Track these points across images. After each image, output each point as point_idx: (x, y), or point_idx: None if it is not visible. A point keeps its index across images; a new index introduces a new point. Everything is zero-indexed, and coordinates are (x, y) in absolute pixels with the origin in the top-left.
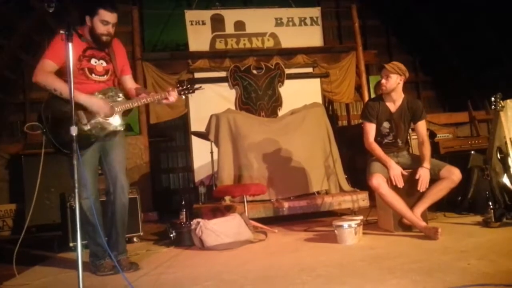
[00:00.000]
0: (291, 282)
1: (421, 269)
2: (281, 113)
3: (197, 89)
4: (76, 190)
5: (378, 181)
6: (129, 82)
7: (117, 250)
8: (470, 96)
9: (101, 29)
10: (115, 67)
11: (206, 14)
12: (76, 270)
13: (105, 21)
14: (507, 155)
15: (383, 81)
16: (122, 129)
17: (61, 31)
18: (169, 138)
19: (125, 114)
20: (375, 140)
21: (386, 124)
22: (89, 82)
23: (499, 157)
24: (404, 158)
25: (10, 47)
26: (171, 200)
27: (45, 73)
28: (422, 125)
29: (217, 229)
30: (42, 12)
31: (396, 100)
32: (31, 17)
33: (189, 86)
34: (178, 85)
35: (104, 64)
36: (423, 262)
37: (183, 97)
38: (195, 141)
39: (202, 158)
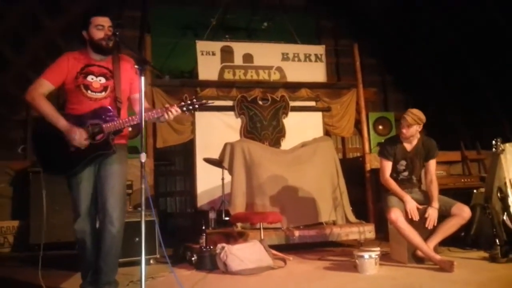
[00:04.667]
0: None
1: None
2: (284, 143)
3: (203, 104)
4: (143, 208)
5: (396, 215)
6: (138, 102)
7: (100, 280)
8: (460, 136)
9: (98, 34)
10: (116, 84)
11: (216, 46)
12: None
13: (100, 25)
14: (506, 195)
15: (404, 130)
16: (108, 151)
17: (136, 66)
18: (171, 162)
19: (124, 135)
20: (391, 176)
21: (402, 162)
22: (85, 100)
23: (499, 196)
24: (416, 194)
25: (18, 63)
26: (168, 223)
27: (36, 93)
28: (433, 164)
29: (241, 255)
30: (52, 31)
31: (412, 141)
32: (41, 35)
33: (194, 100)
34: (182, 101)
35: (103, 80)
36: None
37: (187, 113)
38: (200, 167)
39: (205, 183)
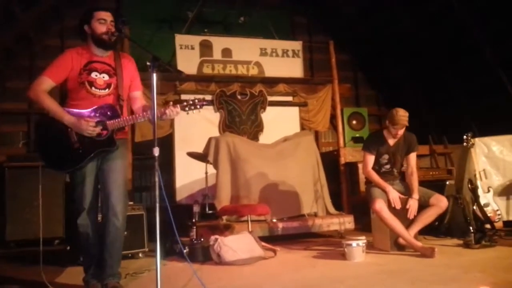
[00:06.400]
0: None
1: (439, 280)
2: (261, 137)
3: (204, 104)
4: (157, 200)
5: (380, 205)
6: (138, 101)
7: (104, 272)
8: (428, 131)
9: (100, 28)
10: (119, 81)
11: (195, 40)
12: None
13: (102, 19)
14: (476, 186)
15: (400, 131)
16: (112, 148)
17: (148, 63)
18: (148, 157)
19: (126, 131)
20: (373, 168)
21: (385, 156)
22: (89, 96)
23: (470, 187)
24: (397, 185)
25: None
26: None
27: (38, 90)
28: (413, 157)
29: (233, 246)
30: (25, 22)
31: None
32: (13, 27)
33: (196, 101)
34: (185, 102)
35: (107, 77)
36: (435, 275)
37: (187, 113)
38: (178, 161)
39: (184, 177)
